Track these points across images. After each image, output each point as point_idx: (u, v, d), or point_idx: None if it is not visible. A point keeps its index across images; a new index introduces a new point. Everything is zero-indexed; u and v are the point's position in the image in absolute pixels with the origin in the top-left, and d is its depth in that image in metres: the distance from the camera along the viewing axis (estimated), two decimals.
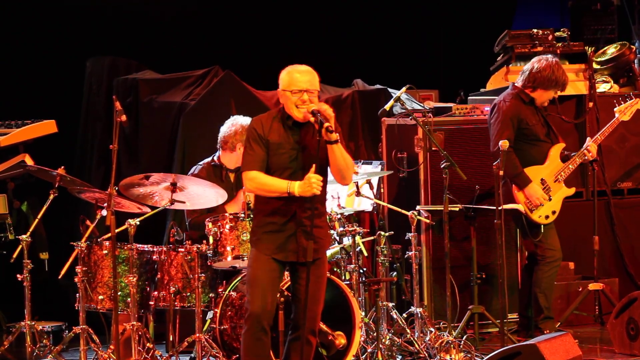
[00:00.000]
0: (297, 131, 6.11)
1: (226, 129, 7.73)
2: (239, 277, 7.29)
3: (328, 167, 6.13)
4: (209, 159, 7.84)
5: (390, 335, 7.58)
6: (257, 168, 6.06)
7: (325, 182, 6.09)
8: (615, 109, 8.39)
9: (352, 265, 7.51)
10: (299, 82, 6.06)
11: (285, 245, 6.09)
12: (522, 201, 7.92)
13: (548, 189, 8.01)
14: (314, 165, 5.97)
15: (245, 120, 7.63)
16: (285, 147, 6.09)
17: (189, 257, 7.25)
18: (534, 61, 8.12)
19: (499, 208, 7.30)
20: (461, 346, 7.49)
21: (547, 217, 7.99)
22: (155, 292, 7.32)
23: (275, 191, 6.03)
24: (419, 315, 7.78)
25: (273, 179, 6.04)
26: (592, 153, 8.12)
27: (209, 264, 7.18)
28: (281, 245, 6.09)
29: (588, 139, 8.23)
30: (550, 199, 7.99)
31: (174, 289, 7.27)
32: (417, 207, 8.11)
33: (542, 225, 7.98)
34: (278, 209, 6.08)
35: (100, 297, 7.25)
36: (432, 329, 7.76)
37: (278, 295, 6.45)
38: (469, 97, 9.52)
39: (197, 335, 7.07)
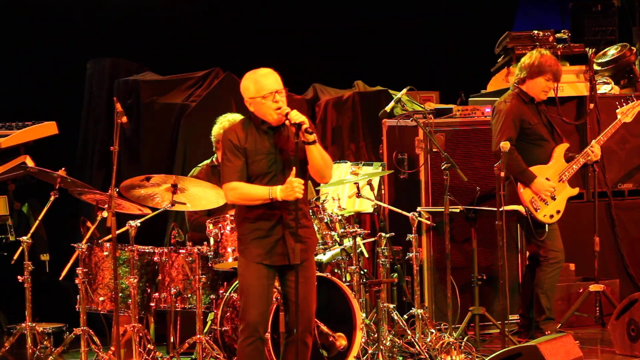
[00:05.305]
0: (272, 135, 6.06)
1: (216, 128, 7.74)
2: None
3: (307, 167, 6.06)
4: (208, 161, 7.85)
5: (391, 336, 7.58)
6: (236, 178, 6.00)
7: (306, 182, 6.05)
8: (617, 110, 8.38)
9: (353, 267, 7.51)
10: (266, 85, 6.01)
11: (274, 250, 6.04)
12: (527, 200, 7.91)
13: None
14: (294, 169, 5.92)
15: (233, 116, 7.62)
16: (263, 153, 6.03)
17: (190, 258, 7.25)
18: (523, 57, 8.17)
19: (500, 209, 7.30)
20: (462, 347, 7.49)
21: (551, 216, 7.98)
22: (156, 294, 7.32)
23: (257, 199, 5.97)
24: (420, 316, 7.77)
25: (253, 187, 5.99)
26: (596, 153, 8.11)
27: (209, 265, 7.17)
28: (270, 250, 6.04)
29: (593, 141, 8.23)
30: (554, 198, 7.98)
31: (174, 290, 7.27)
32: (418, 209, 8.11)
33: (546, 225, 7.98)
34: (263, 214, 6.02)
35: (101, 298, 7.25)
36: (433, 330, 7.76)
37: (279, 296, 6.45)
38: (470, 99, 9.51)
39: (198, 336, 7.07)
